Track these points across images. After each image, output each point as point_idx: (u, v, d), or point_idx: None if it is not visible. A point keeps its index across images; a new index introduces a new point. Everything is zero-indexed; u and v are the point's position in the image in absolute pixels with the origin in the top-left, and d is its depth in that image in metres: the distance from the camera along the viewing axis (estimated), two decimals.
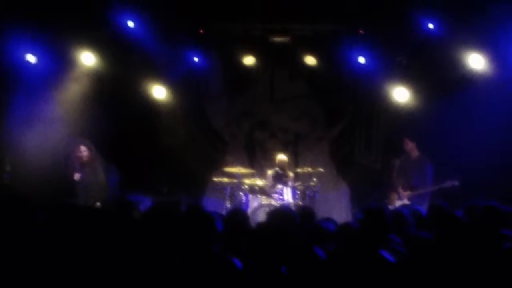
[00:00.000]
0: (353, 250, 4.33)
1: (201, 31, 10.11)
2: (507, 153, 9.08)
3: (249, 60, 10.62)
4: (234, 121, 11.67)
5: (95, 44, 10.04)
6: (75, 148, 8.87)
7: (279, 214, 4.92)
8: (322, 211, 9.47)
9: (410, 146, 9.54)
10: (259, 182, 9.91)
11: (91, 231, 4.27)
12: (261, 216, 9.12)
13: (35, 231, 4.02)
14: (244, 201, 9.59)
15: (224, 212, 8.36)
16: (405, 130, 9.88)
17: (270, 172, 10.15)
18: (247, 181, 9.89)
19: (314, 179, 9.78)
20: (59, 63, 9.97)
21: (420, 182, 9.31)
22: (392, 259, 4.08)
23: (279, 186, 9.76)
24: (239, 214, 5.25)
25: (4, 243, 3.82)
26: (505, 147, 9.07)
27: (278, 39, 10.32)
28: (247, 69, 10.86)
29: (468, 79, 9.29)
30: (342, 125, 11.47)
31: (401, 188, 9.46)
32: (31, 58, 9.83)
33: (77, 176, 8.78)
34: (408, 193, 9.35)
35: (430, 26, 9.09)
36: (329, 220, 5.32)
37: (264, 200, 9.62)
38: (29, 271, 3.69)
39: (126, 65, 10.27)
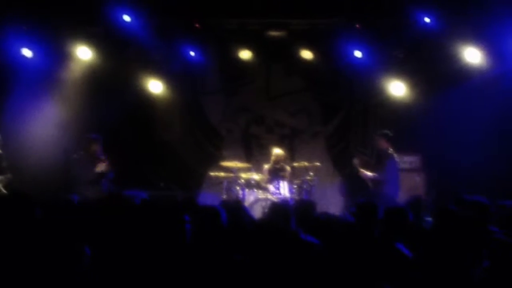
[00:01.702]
0: (350, 243, 4.35)
1: (197, 25, 10.09)
2: (503, 146, 9.11)
3: (245, 55, 10.60)
4: (231, 116, 11.65)
5: (91, 39, 10.02)
6: (90, 143, 8.89)
7: (275, 210, 4.94)
8: (318, 205, 9.48)
9: (378, 141, 9.08)
10: (256, 176, 9.90)
11: (88, 225, 4.28)
12: (258, 210, 9.13)
13: (33, 226, 4.02)
14: (240, 195, 9.58)
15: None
16: (401, 124, 9.87)
17: (266, 166, 10.15)
18: (243, 175, 9.88)
19: (311, 173, 9.78)
20: (55, 58, 9.95)
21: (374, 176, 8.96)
22: (408, 253, 4.11)
23: (276, 180, 9.76)
24: (236, 208, 5.26)
25: (4, 237, 3.83)
26: (501, 140, 9.10)
27: (274, 34, 10.29)
28: (243, 63, 10.83)
29: (465, 73, 9.31)
30: (338, 120, 11.47)
31: None
32: (27, 52, 9.79)
33: (100, 167, 8.82)
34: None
35: (427, 20, 9.10)
36: (325, 214, 5.34)
37: (260, 194, 9.62)
38: (28, 262, 3.69)
39: (122, 60, 10.27)
